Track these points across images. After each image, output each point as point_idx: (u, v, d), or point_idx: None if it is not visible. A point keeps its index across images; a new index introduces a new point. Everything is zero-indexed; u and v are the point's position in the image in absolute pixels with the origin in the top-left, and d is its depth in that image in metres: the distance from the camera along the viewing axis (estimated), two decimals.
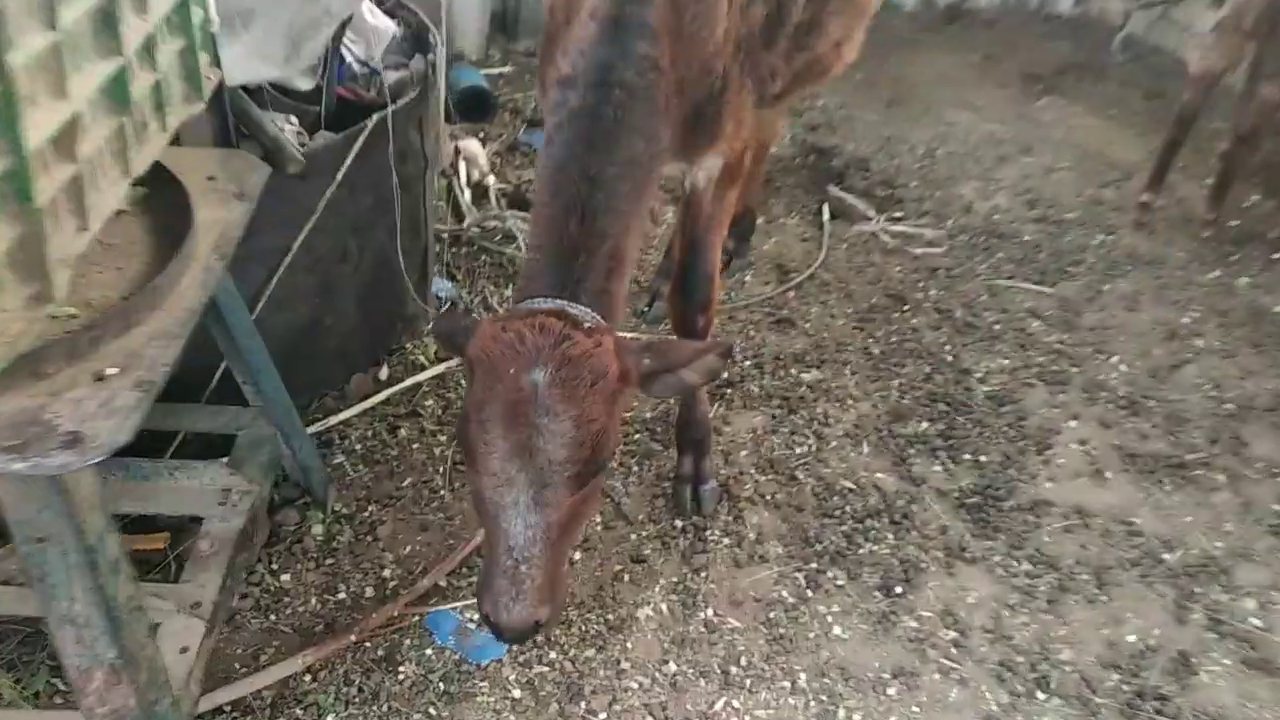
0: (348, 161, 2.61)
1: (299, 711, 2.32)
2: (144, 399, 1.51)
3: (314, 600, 2.57)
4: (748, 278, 3.95)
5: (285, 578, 2.61)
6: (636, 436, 3.17)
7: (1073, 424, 3.32)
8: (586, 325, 1.85)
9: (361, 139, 2.61)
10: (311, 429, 2.95)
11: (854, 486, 3.05)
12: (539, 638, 2.41)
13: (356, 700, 2.35)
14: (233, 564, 2.18)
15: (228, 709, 2.29)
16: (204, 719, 2.25)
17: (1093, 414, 3.36)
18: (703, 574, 2.74)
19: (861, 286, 3.94)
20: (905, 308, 3.83)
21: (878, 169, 4.66)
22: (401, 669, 2.43)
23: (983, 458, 3.17)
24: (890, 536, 2.89)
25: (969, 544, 2.88)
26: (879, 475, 3.10)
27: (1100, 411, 3.38)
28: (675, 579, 2.73)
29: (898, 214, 4.37)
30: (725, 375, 3.42)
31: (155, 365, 1.57)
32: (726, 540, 2.85)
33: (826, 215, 4.30)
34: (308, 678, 2.39)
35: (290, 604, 2.55)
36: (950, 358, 3.59)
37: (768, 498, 2.99)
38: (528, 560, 1.77)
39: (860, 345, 3.63)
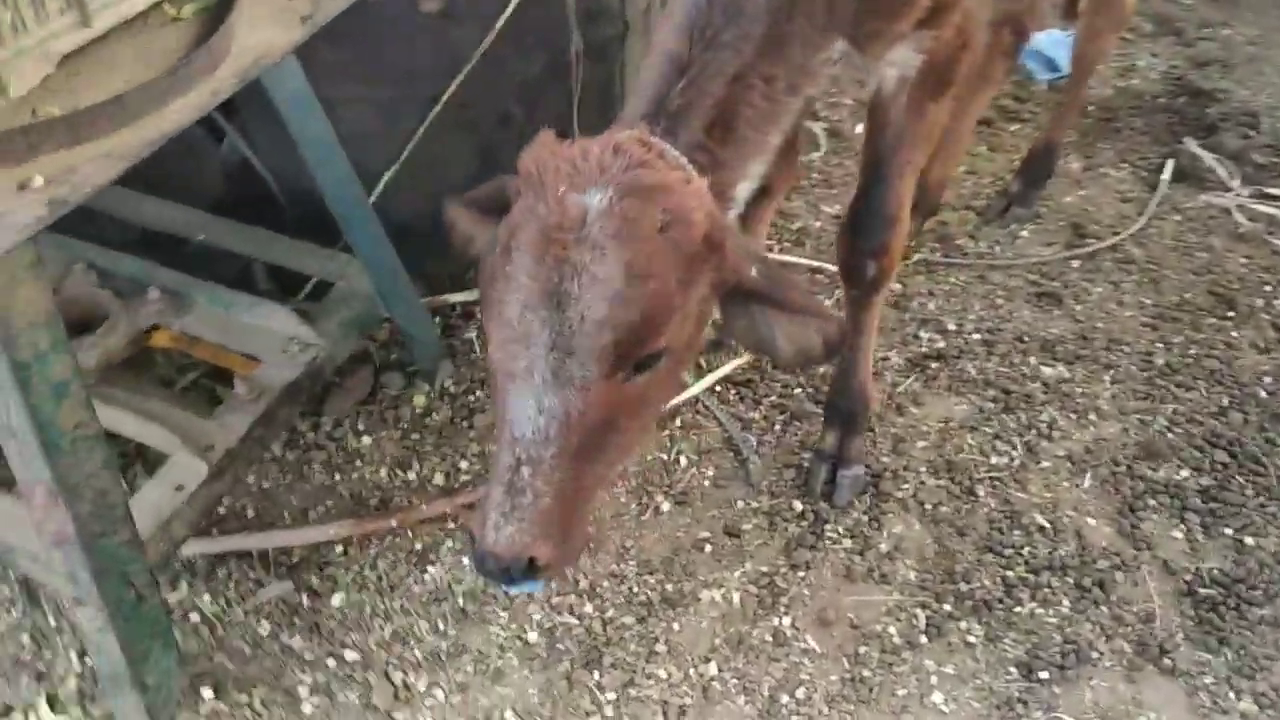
0: (508, 10, 2.30)
1: (315, 580, 2.23)
2: (44, 219, 1.36)
3: (383, 472, 2.45)
4: (1024, 232, 3.16)
5: (366, 440, 2.51)
6: (797, 391, 2.67)
7: None
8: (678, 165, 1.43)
9: None
10: (455, 297, 2.80)
11: (1047, 524, 2.35)
12: (535, 589, 1.89)
13: (371, 588, 2.22)
14: (270, 416, 2.08)
15: (254, 553, 2.26)
16: (224, 560, 2.24)
17: None
18: (800, 573, 2.25)
19: (1180, 274, 3.00)
20: (1229, 314, 2.86)
21: (1269, 128, 3.49)
22: (430, 570, 2.25)
23: (1250, 539, 2.30)
24: (1066, 603, 2.19)
25: (1176, 648, 2.11)
26: (1089, 520, 2.36)
27: None
28: (765, 568, 2.27)
29: (1273, 190, 3.27)
30: (941, 344, 2.78)
31: (81, 186, 1.41)
32: (848, 542, 2.32)
33: (1168, 174, 3.32)
34: (339, 548, 2.29)
35: (360, 469, 2.46)
36: (1265, 394, 2.63)
37: (926, 507, 2.39)
38: (534, 463, 1.35)
39: (1142, 349, 2.78)
